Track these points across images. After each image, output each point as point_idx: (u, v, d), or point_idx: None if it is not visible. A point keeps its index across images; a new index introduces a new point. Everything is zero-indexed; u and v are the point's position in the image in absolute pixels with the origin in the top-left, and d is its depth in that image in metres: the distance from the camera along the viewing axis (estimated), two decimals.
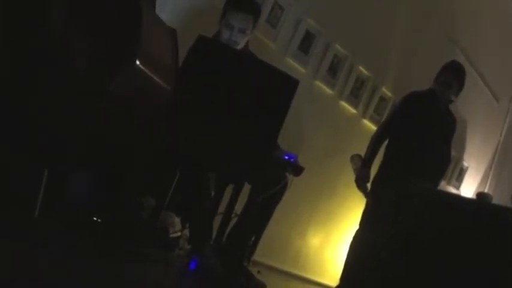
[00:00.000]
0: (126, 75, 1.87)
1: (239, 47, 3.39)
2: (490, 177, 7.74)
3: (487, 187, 7.63)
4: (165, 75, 2.00)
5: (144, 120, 2.02)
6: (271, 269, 4.97)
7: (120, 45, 1.91)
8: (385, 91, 5.75)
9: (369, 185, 4.36)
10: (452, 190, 7.01)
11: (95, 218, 2.62)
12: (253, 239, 3.46)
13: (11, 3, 2.08)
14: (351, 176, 4.44)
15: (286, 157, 3.37)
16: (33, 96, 2.03)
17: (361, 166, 4.35)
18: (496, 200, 4.23)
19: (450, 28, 6.22)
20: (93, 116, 1.94)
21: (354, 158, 4.45)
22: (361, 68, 5.43)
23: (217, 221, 3.13)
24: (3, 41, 2.09)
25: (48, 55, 2.01)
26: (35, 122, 2.02)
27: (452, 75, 4.39)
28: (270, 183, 3.36)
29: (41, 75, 1.99)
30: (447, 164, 4.70)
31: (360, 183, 4.34)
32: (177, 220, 3.10)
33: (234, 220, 3.26)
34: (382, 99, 5.76)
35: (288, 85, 2.75)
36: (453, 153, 6.15)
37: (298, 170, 3.40)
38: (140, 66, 1.88)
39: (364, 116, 5.65)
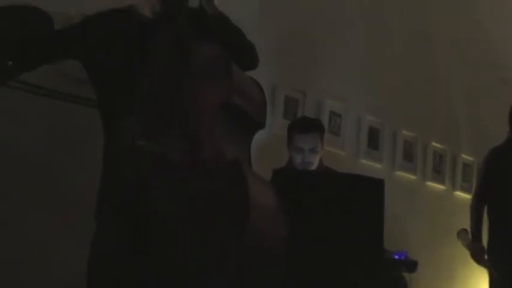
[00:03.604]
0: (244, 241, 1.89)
1: (314, 166, 3.41)
2: None
3: None
4: (278, 223, 2.02)
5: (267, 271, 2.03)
6: None
7: (230, 209, 1.95)
8: (465, 157, 5.64)
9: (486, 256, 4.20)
10: None
11: None
12: None
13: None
14: (465, 253, 4.29)
15: (397, 256, 3.31)
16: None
17: (472, 240, 4.20)
18: None
19: (505, 71, 6.13)
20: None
21: (461, 233, 4.30)
22: (433, 143, 5.37)
23: None
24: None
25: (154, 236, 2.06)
26: None
27: None
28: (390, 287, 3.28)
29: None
30: None
31: (477, 259, 4.17)
32: None
33: None
34: (466, 165, 5.64)
35: (374, 187, 2.74)
36: None
37: (412, 266, 3.33)
38: (255, 224, 1.90)
39: (454, 189, 5.53)
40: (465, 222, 4.35)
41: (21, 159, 3.13)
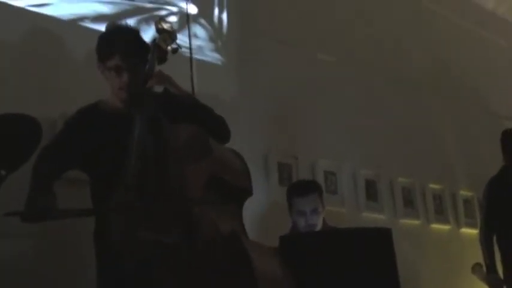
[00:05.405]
0: None
1: (318, 228, 3.42)
2: None
3: None
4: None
5: None
6: None
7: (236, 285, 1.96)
8: (464, 193, 5.67)
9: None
10: None
11: None
12: None
13: None
14: (482, 287, 4.28)
15: None
16: None
17: (487, 272, 4.20)
18: None
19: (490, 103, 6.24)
20: None
21: (476, 268, 4.30)
22: (431, 185, 5.40)
23: None
24: None
25: None
26: None
27: None
28: None
29: None
30: None
31: None
32: None
33: None
34: (466, 201, 5.66)
35: (382, 238, 2.74)
36: None
37: None
38: None
39: (459, 227, 5.53)
40: (476, 258, 4.35)
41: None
